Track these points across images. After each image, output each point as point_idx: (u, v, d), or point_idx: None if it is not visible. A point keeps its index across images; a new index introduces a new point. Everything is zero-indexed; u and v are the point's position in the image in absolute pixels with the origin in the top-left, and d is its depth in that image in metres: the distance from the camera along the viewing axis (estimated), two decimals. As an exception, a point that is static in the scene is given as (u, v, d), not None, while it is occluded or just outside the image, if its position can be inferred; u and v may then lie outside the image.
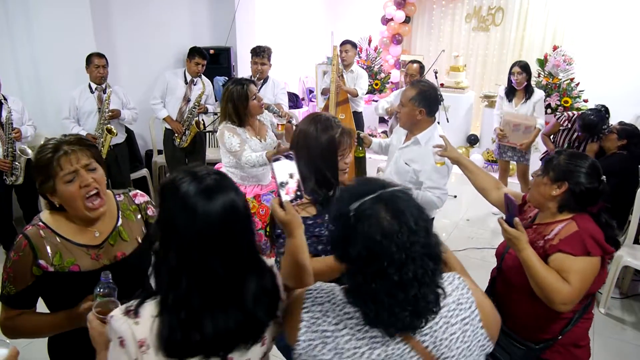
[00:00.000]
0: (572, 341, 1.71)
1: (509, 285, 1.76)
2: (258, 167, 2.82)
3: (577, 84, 5.61)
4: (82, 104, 3.97)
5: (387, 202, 0.97)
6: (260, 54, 4.16)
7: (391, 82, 7.03)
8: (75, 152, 1.36)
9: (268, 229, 1.66)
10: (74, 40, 4.21)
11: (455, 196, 4.90)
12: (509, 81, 4.43)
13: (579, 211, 1.67)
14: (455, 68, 6.45)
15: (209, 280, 0.97)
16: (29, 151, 3.56)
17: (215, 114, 4.46)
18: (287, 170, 1.22)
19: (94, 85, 3.97)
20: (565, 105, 5.56)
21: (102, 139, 3.87)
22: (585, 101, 5.53)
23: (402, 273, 0.94)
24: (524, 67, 4.30)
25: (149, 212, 1.60)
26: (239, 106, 2.80)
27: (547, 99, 5.48)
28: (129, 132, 4.46)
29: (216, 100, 4.48)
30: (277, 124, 3.08)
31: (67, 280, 1.39)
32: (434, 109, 2.51)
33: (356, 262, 0.97)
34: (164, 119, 4.33)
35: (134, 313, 0.99)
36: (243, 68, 5.44)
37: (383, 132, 6.77)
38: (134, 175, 4.62)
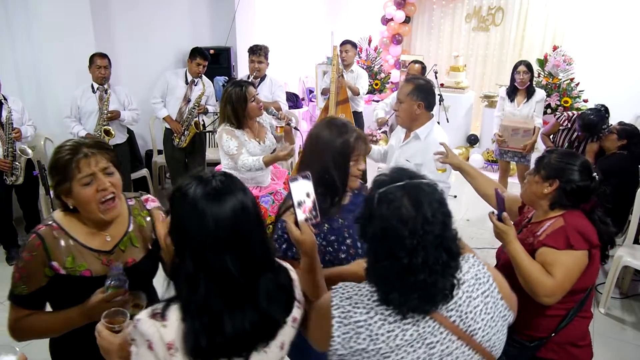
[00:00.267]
0: (569, 340, 1.70)
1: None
2: (254, 171, 2.81)
3: (577, 84, 5.61)
4: (84, 103, 3.99)
5: (409, 191, 1.04)
6: (257, 52, 4.17)
7: (391, 82, 7.03)
8: (94, 155, 1.35)
9: (270, 230, 1.66)
10: (74, 40, 4.21)
11: (455, 196, 4.90)
12: (512, 81, 4.43)
13: (571, 208, 1.69)
14: (455, 68, 6.45)
15: (225, 281, 0.99)
16: (29, 151, 3.56)
17: (216, 114, 4.46)
18: (304, 190, 1.25)
19: (96, 85, 3.98)
20: (565, 105, 5.57)
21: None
22: (585, 101, 5.53)
23: (411, 257, 1.00)
24: (529, 66, 4.33)
25: (160, 218, 1.58)
26: (237, 108, 2.80)
27: (547, 99, 5.48)
28: (129, 132, 4.46)
29: (217, 101, 4.48)
30: (277, 127, 3.07)
31: (77, 285, 1.38)
32: (432, 102, 2.52)
33: (372, 241, 1.06)
34: (163, 118, 4.33)
35: (160, 316, 0.99)
36: (243, 68, 5.45)
37: (383, 132, 6.76)
38: (134, 175, 4.62)
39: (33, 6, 4.05)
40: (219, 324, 0.98)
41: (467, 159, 6.29)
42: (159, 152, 4.96)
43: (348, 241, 1.59)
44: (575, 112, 4.37)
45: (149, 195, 1.61)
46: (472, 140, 6.50)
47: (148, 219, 1.55)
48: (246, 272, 1.00)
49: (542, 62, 5.84)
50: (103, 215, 1.37)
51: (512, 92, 4.46)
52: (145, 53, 5.04)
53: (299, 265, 1.32)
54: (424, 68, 4.68)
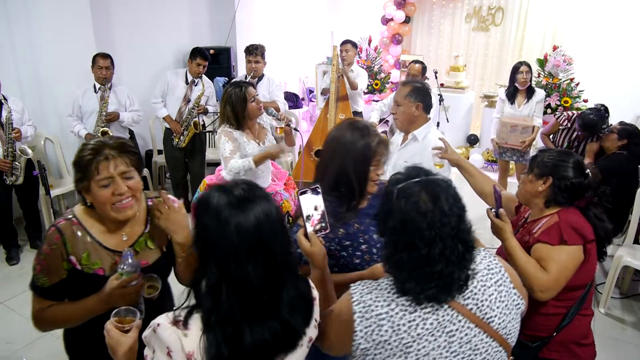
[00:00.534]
0: (572, 339, 1.70)
1: None
2: (244, 173, 2.77)
3: (577, 84, 5.61)
4: (85, 103, 4.01)
5: (427, 186, 1.10)
6: (253, 52, 4.17)
7: (391, 82, 7.03)
8: (115, 158, 1.36)
9: None
10: (74, 40, 4.21)
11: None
12: (512, 82, 4.43)
13: (565, 205, 1.70)
14: (455, 68, 6.45)
15: (247, 292, 0.98)
16: (29, 151, 3.56)
17: (216, 114, 4.46)
18: (312, 203, 1.27)
19: (97, 85, 3.98)
20: (565, 105, 5.57)
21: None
22: (585, 101, 5.53)
23: (430, 248, 1.05)
24: (529, 66, 4.36)
25: None
26: (237, 109, 2.79)
27: (547, 99, 5.48)
28: (130, 132, 4.46)
29: (217, 101, 4.48)
30: (276, 127, 3.07)
31: (90, 282, 1.40)
32: (429, 103, 2.53)
33: (392, 233, 1.10)
34: (163, 118, 4.34)
35: (183, 324, 0.99)
36: (243, 68, 5.43)
37: (383, 132, 6.77)
38: (134, 175, 4.61)
39: (33, 6, 4.05)
40: (240, 335, 0.98)
41: (467, 158, 6.30)
42: (159, 152, 4.96)
43: (363, 247, 1.57)
44: (575, 111, 4.37)
45: (169, 197, 1.61)
46: (472, 140, 6.50)
47: None
48: (269, 281, 1.00)
49: (542, 62, 5.84)
50: (115, 214, 1.38)
51: (512, 94, 4.47)
52: (145, 53, 5.04)
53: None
54: (424, 68, 4.68)
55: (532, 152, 4.50)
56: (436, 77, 4.84)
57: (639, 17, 5.62)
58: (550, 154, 1.74)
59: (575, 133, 4.03)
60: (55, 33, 4.12)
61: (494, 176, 5.15)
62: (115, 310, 1.21)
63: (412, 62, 4.78)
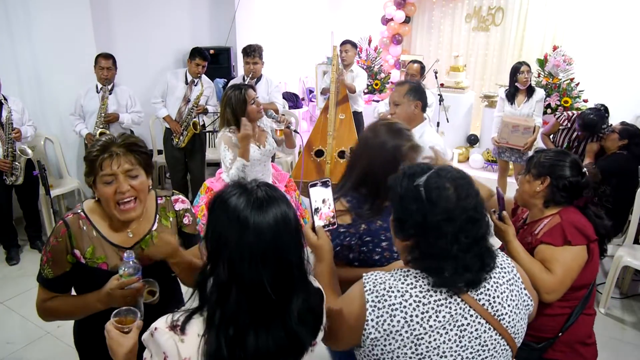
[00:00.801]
0: (577, 338, 1.71)
1: None
2: (241, 172, 2.77)
3: (577, 84, 5.61)
4: (87, 102, 4.03)
5: (444, 175, 1.09)
6: (251, 53, 4.17)
7: (391, 82, 7.02)
8: (120, 156, 1.37)
9: None
10: (74, 40, 4.21)
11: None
12: (512, 83, 4.44)
13: (565, 205, 1.71)
14: (455, 68, 6.45)
15: (258, 295, 0.96)
16: (29, 151, 3.56)
17: (216, 114, 4.46)
18: (321, 196, 1.26)
19: (99, 86, 3.99)
20: (565, 105, 5.56)
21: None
22: (585, 101, 5.53)
23: (468, 233, 1.06)
24: (529, 66, 4.39)
25: (185, 220, 1.59)
26: (237, 111, 2.78)
27: (547, 99, 5.48)
28: (130, 132, 4.46)
29: (218, 101, 4.48)
30: (276, 130, 3.06)
31: (94, 276, 1.42)
32: (426, 102, 2.56)
33: (435, 229, 1.06)
34: (163, 118, 4.34)
35: (180, 330, 0.97)
36: (243, 68, 5.45)
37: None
38: (134, 175, 4.61)
39: (33, 6, 4.05)
40: (242, 339, 0.96)
41: (467, 159, 6.30)
42: (159, 152, 4.96)
43: (384, 244, 1.58)
44: (575, 111, 4.38)
45: (179, 196, 1.62)
46: (472, 140, 6.50)
47: (172, 219, 1.56)
48: (280, 288, 0.97)
49: (542, 62, 5.84)
50: (119, 215, 1.40)
51: (512, 95, 4.49)
52: (145, 53, 5.04)
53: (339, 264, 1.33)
54: (422, 68, 4.68)
55: (532, 152, 4.51)
56: (436, 77, 4.84)
57: (639, 17, 5.62)
58: (546, 154, 1.75)
59: (575, 133, 4.03)
60: (55, 33, 4.13)
61: (494, 176, 5.15)
62: (116, 311, 1.20)
63: (410, 62, 4.79)
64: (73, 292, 1.52)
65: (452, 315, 1.07)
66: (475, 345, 1.09)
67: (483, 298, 1.10)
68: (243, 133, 2.67)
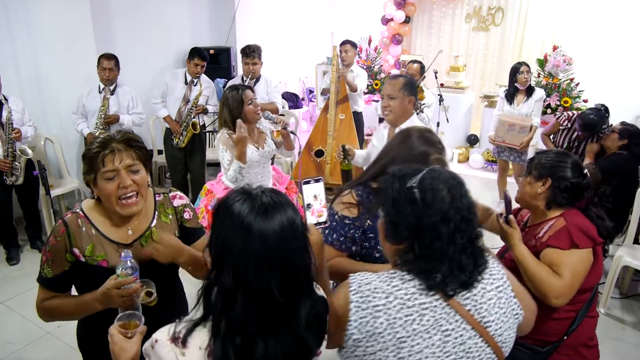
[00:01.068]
0: (581, 341, 1.70)
1: None
2: (238, 173, 2.78)
3: (577, 84, 5.61)
4: (89, 102, 4.04)
5: (437, 176, 1.09)
6: (251, 54, 4.17)
7: (391, 82, 7.02)
8: (121, 151, 1.38)
9: None
10: (74, 40, 4.21)
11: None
12: (511, 83, 4.46)
13: (567, 207, 1.70)
14: (455, 68, 6.45)
15: (265, 302, 0.94)
16: (29, 151, 3.56)
17: (216, 113, 4.46)
18: (313, 192, 1.28)
19: (102, 86, 3.99)
20: (565, 105, 5.56)
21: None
22: (585, 101, 5.53)
23: (463, 234, 1.06)
24: (529, 66, 4.42)
25: (185, 216, 1.59)
26: (234, 111, 2.78)
27: (547, 99, 5.48)
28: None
29: (218, 101, 4.48)
30: (273, 131, 3.03)
31: (94, 273, 1.42)
32: (416, 98, 2.64)
33: (431, 230, 1.05)
34: (163, 118, 4.35)
35: (182, 343, 0.95)
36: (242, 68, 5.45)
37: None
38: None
39: (33, 6, 4.05)
40: (251, 348, 0.94)
41: (467, 159, 6.30)
42: (159, 152, 4.96)
43: None
44: (575, 112, 4.38)
45: (177, 192, 1.62)
46: (472, 140, 6.50)
47: (171, 216, 1.57)
48: (287, 293, 0.95)
49: (542, 62, 5.84)
50: (120, 210, 1.40)
51: (511, 95, 4.51)
52: (145, 53, 5.04)
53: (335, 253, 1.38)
54: (422, 68, 4.68)
55: (531, 152, 4.51)
56: (436, 77, 4.84)
57: (639, 17, 5.62)
58: (547, 156, 1.75)
59: (576, 133, 4.03)
60: (55, 33, 4.13)
61: (494, 176, 5.15)
62: (119, 315, 1.20)
63: (410, 61, 4.79)
64: (75, 293, 1.52)
65: (436, 320, 1.05)
66: (460, 352, 1.06)
67: (469, 303, 1.08)
68: (238, 136, 2.66)
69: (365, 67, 6.54)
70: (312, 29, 7.15)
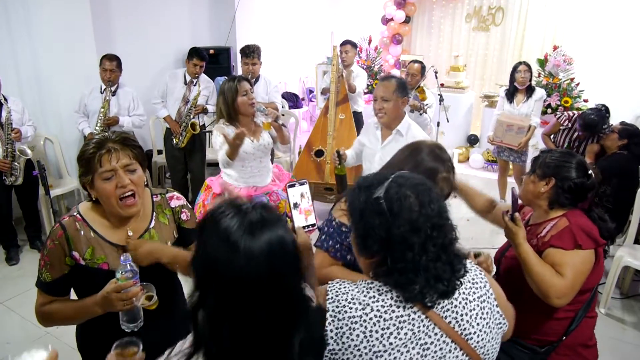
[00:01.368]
0: (580, 341, 1.70)
1: (507, 289, 1.76)
2: (227, 165, 2.81)
3: (577, 84, 5.61)
4: (90, 102, 4.05)
5: (403, 184, 1.04)
6: (250, 54, 4.16)
7: (391, 82, 7.02)
8: (117, 151, 1.37)
9: None
10: (74, 40, 4.21)
11: (455, 196, 4.89)
12: (511, 82, 4.47)
13: (570, 207, 1.69)
14: (455, 68, 6.45)
15: (252, 330, 0.86)
16: (29, 151, 3.56)
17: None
18: (299, 192, 1.30)
19: (104, 86, 3.99)
20: (565, 105, 5.56)
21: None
22: (586, 101, 5.53)
23: (435, 241, 1.01)
24: (529, 66, 4.41)
25: (183, 217, 1.59)
26: (228, 101, 2.79)
27: (547, 99, 5.48)
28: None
29: (218, 100, 4.48)
30: (263, 122, 2.93)
31: (95, 276, 1.41)
32: (409, 97, 2.70)
33: (401, 242, 1.01)
34: (163, 118, 4.35)
35: None
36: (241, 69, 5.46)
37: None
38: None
39: (33, 6, 4.05)
40: None
41: (467, 159, 6.30)
42: (159, 152, 4.96)
43: None
44: (575, 111, 4.38)
45: (174, 193, 1.62)
46: (472, 140, 6.50)
47: (169, 216, 1.57)
48: (277, 320, 0.87)
49: (542, 62, 5.84)
50: (121, 211, 1.40)
51: (511, 94, 4.52)
52: (145, 53, 5.03)
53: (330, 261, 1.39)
54: (423, 67, 4.68)
55: (531, 152, 4.51)
56: (436, 77, 4.84)
57: (639, 17, 5.62)
58: (552, 155, 1.73)
59: (576, 133, 4.03)
60: (55, 33, 4.13)
61: (494, 176, 5.14)
62: (117, 342, 1.19)
63: (411, 61, 4.78)
64: (74, 297, 1.51)
65: (414, 333, 1.01)
66: None
67: (450, 315, 1.04)
68: (237, 136, 2.60)
69: (365, 67, 6.54)
70: (312, 29, 7.15)
